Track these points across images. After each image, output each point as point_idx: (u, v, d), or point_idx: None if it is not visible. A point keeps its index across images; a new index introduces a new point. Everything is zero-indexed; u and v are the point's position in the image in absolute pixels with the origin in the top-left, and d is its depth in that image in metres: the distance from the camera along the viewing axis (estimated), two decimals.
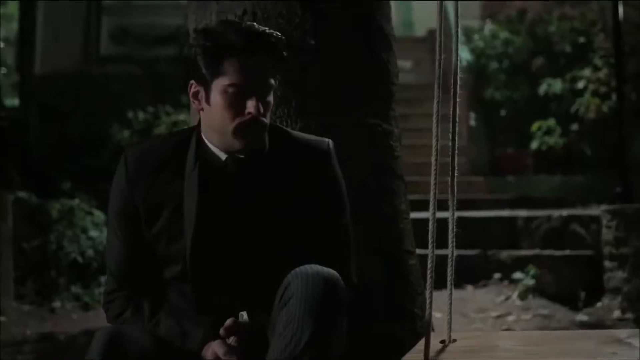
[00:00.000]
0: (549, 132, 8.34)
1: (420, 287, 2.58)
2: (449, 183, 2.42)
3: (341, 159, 2.35)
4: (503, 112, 8.77)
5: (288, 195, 1.98)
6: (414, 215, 6.67)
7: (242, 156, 1.97)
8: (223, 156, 1.98)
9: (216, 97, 1.92)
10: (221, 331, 1.88)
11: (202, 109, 1.97)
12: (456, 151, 2.49)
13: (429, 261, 2.43)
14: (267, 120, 1.96)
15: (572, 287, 5.36)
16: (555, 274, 5.44)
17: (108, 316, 2.05)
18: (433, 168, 2.44)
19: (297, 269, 1.87)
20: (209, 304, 1.96)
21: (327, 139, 2.08)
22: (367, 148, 2.50)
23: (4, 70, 15.10)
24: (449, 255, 2.26)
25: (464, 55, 8.91)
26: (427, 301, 2.30)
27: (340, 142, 2.34)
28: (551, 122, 8.34)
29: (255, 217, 1.96)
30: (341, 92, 2.46)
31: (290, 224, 1.98)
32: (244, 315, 1.91)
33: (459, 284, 5.66)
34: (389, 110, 2.59)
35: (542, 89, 8.56)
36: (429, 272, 2.41)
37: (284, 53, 1.95)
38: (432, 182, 2.48)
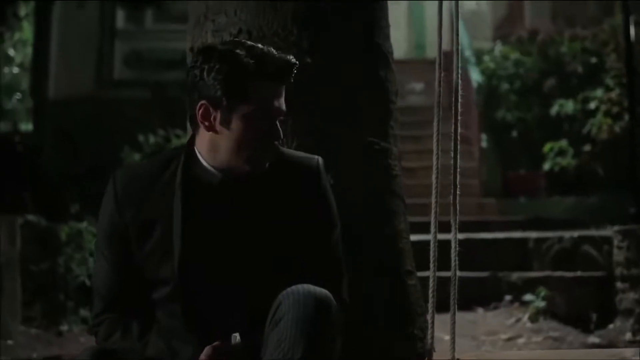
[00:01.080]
0: (561, 153, 8.29)
1: (420, 308, 2.54)
2: (451, 202, 2.39)
3: (337, 177, 2.34)
4: (515, 134, 8.73)
5: (278, 214, 1.96)
6: (424, 237, 6.60)
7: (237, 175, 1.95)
8: (217, 174, 1.95)
9: (237, 122, 1.90)
10: (202, 356, 1.84)
11: (214, 131, 1.92)
12: (458, 169, 2.47)
13: (431, 281, 2.40)
14: (276, 147, 1.98)
15: (583, 308, 5.30)
16: (566, 296, 5.38)
17: (97, 339, 2.01)
18: (434, 186, 2.41)
19: (289, 289, 1.84)
20: (199, 324, 1.92)
21: (316, 157, 2.06)
22: (364, 167, 2.47)
23: (18, 95, 15.26)
24: (452, 275, 2.23)
25: (475, 76, 8.90)
26: (429, 321, 2.28)
27: (336, 161, 2.34)
28: (563, 143, 8.29)
29: (245, 235, 1.94)
30: (338, 111, 2.43)
31: (281, 242, 1.95)
32: (236, 337, 1.88)
33: (469, 306, 5.61)
34: (388, 129, 2.57)
35: (554, 109, 8.53)
36: (430, 292, 2.38)
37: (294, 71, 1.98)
38: (433, 200, 2.46)
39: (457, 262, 2.22)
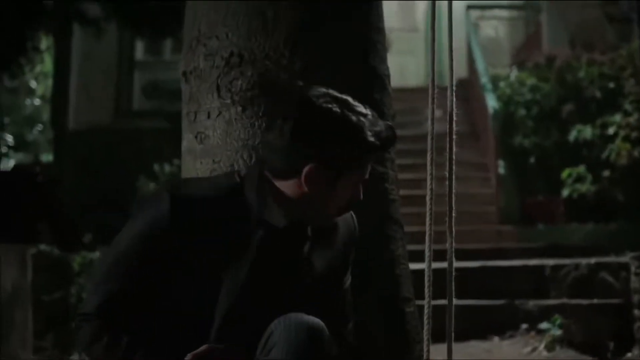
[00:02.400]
0: (579, 179, 8.19)
1: (418, 336, 2.48)
2: (447, 224, 2.34)
3: None
4: (532, 160, 8.65)
5: (324, 266, 2.00)
6: (441, 264, 6.54)
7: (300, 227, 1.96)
8: (285, 222, 1.92)
9: (340, 184, 1.90)
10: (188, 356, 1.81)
11: (317, 191, 1.89)
12: (454, 190, 2.41)
13: (425, 307, 2.34)
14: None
15: (600, 337, 5.18)
16: (583, 324, 5.27)
17: (78, 338, 1.91)
18: (428, 209, 2.35)
19: (281, 317, 1.82)
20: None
21: (352, 215, 2.11)
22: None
23: (40, 127, 15.39)
24: (448, 299, 2.18)
25: (491, 102, 8.84)
26: (425, 349, 2.21)
27: None
28: (581, 169, 8.20)
29: (292, 284, 1.95)
30: None
31: (318, 293, 1.99)
32: None
33: (484, 335, 5.52)
34: (384, 153, 2.51)
35: (572, 135, 8.45)
36: (425, 318, 2.32)
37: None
38: (427, 222, 2.40)
39: (453, 286, 2.15)
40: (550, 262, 6.13)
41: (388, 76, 2.60)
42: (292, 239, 1.94)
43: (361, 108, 1.92)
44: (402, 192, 8.83)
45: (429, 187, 2.33)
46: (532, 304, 5.65)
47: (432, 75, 2.20)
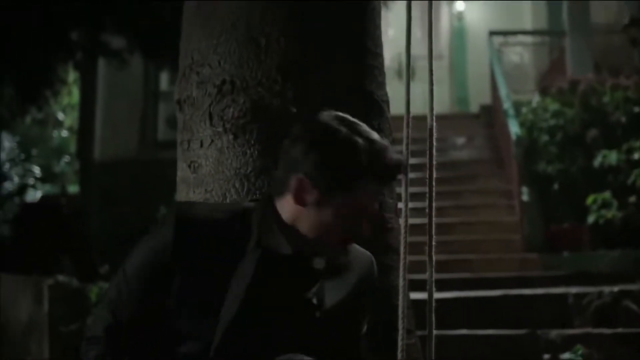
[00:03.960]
0: (605, 205, 8.05)
1: None
2: (427, 252, 2.27)
3: None
4: (556, 186, 8.53)
5: (334, 302, 1.93)
6: (464, 293, 6.39)
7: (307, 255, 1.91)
8: (289, 247, 1.88)
9: (333, 207, 1.84)
10: None
11: (303, 204, 1.85)
12: (434, 206, 2.35)
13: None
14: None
15: None
16: (605, 354, 5.13)
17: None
18: (403, 228, 2.29)
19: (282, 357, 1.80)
20: None
21: (369, 253, 2.08)
22: None
23: (67, 158, 15.51)
24: (428, 329, 2.11)
25: (514, 129, 8.76)
26: None
27: None
28: (607, 194, 8.06)
29: (297, 316, 1.89)
30: None
31: (326, 328, 1.92)
32: None
33: None
34: None
35: (597, 161, 8.32)
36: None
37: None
38: (403, 236, 2.34)
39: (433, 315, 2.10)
40: (573, 290, 6.01)
41: (386, 102, 2.54)
42: (297, 268, 1.89)
43: (369, 133, 1.91)
44: (424, 219, 8.65)
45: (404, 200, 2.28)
46: (554, 333, 5.52)
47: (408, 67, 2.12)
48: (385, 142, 1.92)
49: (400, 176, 1.98)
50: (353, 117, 2.41)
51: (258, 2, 2.37)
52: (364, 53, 2.48)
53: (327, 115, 1.92)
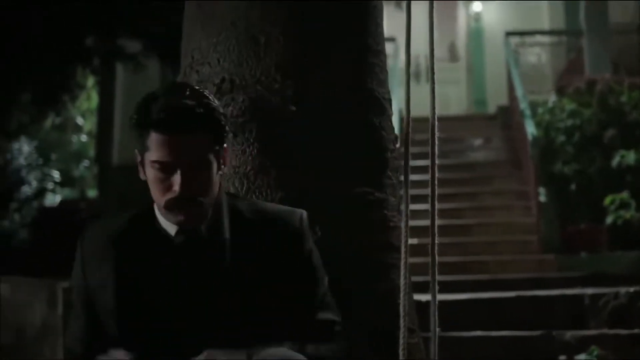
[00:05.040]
0: (623, 205, 7.97)
1: None
2: (430, 252, 2.25)
3: (326, 231, 2.22)
4: (573, 187, 8.45)
5: (250, 274, 1.84)
6: (478, 295, 6.33)
7: (194, 230, 1.85)
8: (173, 230, 1.86)
9: (148, 170, 1.83)
10: None
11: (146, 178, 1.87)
12: (436, 205, 2.33)
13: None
14: (202, 197, 1.82)
15: None
16: (620, 355, 5.07)
17: None
18: (403, 229, 2.27)
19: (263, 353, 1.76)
20: None
21: (299, 211, 1.94)
22: (356, 219, 2.35)
23: (86, 162, 15.59)
24: (432, 330, 2.08)
25: (530, 129, 8.70)
26: None
27: (324, 214, 2.22)
28: (625, 195, 7.98)
29: (209, 296, 1.83)
30: (325, 161, 2.32)
31: (252, 305, 1.84)
32: None
33: None
34: (383, 178, 2.44)
35: (615, 161, 8.24)
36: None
37: (220, 125, 1.84)
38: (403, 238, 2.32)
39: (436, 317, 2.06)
40: (589, 291, 5.95)
41: (388, 99, 2.52)
42: (181, 242, 1.85)
43: (179, 89, 1.85)
44: (441, 221, 8.64)
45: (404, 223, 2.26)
46: (569, 334, 5.46)
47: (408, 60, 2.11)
48: (177, 91, 1.83)
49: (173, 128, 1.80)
50: (354, 115, 2.41)
51: (258, 0, 2.36)
52: (364, 51, 2.46)
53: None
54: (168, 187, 1.80)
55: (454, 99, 13.88)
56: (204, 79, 2.38)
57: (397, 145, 2.59)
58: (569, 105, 8.80)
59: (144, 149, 1.81)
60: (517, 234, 8.55)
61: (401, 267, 1.94)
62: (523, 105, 9.21)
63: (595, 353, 5.06)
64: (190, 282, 1.83)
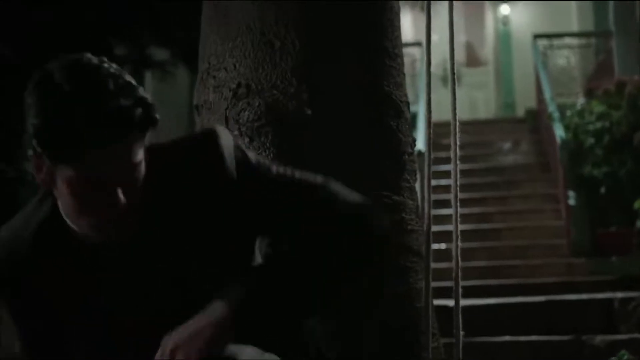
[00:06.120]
0: None
1: None
2: (454, 255, 2.23)
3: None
4: (603, 190, 8.37)
5: (197, 232, 1.54)
6: (507, 299, 6.29)
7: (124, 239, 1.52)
8: (93, 239, 1.52)
9: (61, 186, 1.45)
10: None
11: (53, 187, 1.49)
12: (458, 211, 2.31)
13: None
14: (131, 207, 1.46)
15: None
16: None
17: None
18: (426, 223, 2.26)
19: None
20: None
21: (209, 130, 1.60)
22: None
23: None
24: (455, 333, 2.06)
25: (559, 132, 8.63)
26: None
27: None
28: None
29: (170, 283, 1.54)
30: (342, 164, 2.31)
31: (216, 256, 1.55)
32: None
33: None
34: (401, 181, 2.43)
35: None
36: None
37: (150, 116, 1.43)
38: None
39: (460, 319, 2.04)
40: (619, 295, 5.89)
41: (405, 102, 2.51)
42: (124, 253, 1.53)
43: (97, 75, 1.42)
44: (469, 226, 8.60)
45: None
46: (599, 339, 5.41)
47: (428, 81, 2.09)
48: (96, 84, 1.40)
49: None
50: (371, 118, 2.40)
51: (272, 3, 2.36)
52: (381, 54, 2.45)
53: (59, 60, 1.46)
54: (98, 205, 1.44)
55: (482, 103, 13.83)
56: (220, 84, 2.39)
57: (415, 148, 2.58)
58: (598, 108, 8.72)
59: (53, 159, 1.42)
60: (546, 237, 8.48)
61: (424, 270, 1.91)
62: (551, 108, 9.14)
63: (625, 357, 4.99)
64: (140, 285, 1.54)
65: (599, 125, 8.60)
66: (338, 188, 1.68)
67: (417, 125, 8.04)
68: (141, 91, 1.44)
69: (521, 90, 13.11)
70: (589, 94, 9.52)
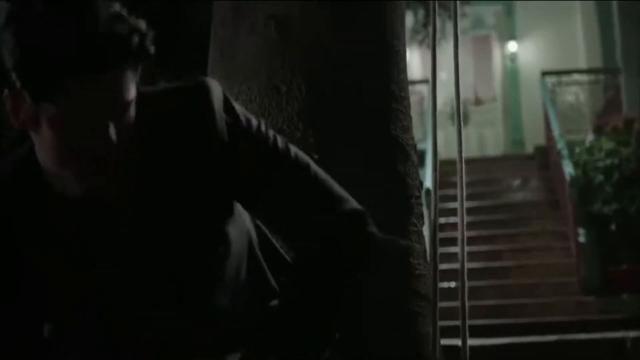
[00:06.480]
0: None
1: None
2: (460, 296, 2.21)
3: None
4: (613, 227, 8.33)
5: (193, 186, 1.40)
6: (518, 339, 6.25)
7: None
8: (74, 191, 1.35)
9: (45, 127, 1.28)
10: None
11: (33, 131, 1.33)
12: (465, 224, 2.30)
13: None
14: (120, 153, 1.31)
15: None
16: None
17: None
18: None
19: None
20: None
21: (202, 80, 1.46)
22: (381, 267, 2.32)
23: None
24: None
25: (568, 169, 8.62)
26: None
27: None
28: None
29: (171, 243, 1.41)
30: None
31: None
32: None
33: None
34: (408, 225, 2.41)
35: None
36: None
37: (146, 45, 1.30)
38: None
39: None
40: (631, 334, 5.84)
41: (412, 145, 2.50)
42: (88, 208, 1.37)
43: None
44: (478, 264, 8.59)
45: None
46: None
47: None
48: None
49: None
50: (378, 162, 2.40)
51: (278, 47, 2.37)
52: (387, 97, 2.45)
53: None
54: (86, 147, 1.28)
55: (490, 140, 13.82)
56: None
57: (423, 191, 2.57)
58: (607, 144, 8.72)
59: (37, 96, 1.25)
60: (556, 275, 8.44)
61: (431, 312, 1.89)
62: (560, 145, 9.14)
63: None
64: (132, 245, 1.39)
65: (608, 162, 8.60)
66: (327, 178, 1.58)
67: (425, 163, 8.04)
68: (136, 20, 1.29)
69: (529, 126, 13.10)
70: (598, 130, 9.54)
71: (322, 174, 1.56)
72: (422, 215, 2.50)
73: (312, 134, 2.32)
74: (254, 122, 1.49)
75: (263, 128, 1.50)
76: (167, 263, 1.40)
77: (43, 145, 1.31)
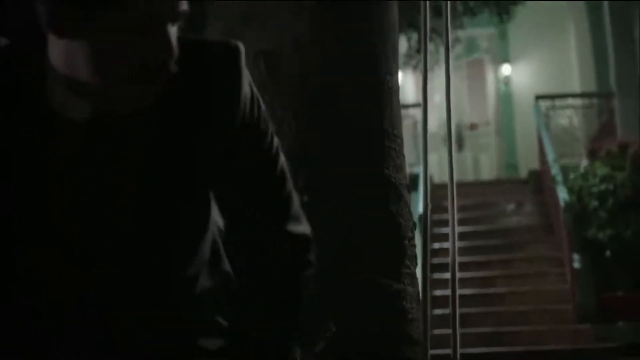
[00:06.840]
0: None
1: None
2: (451, 323, 2.15)
3: (342, 324, 2.14)
4: (608, 253, 8.27)
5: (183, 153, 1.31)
6: None
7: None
8: (84, 106, 1.24)
9: (100, 30, 1.17)
10: None
11: (69, 37, 1.19)
12: (456, 250, 2.24)
13: None
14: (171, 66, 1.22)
15: None
16: None
17: None
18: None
19: None
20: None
21: (236, 45, 1.39)
22: (374, 311, 2.25)
23: None
24: None
25: (562, 195, 8.56)
26: None
27: (341, 306, 2.14)
28: None
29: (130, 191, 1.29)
30: (341, 251, 2.24)
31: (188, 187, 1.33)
32: None
33: None
34: (402, 268, 2.34)
35: None
36: None
37: None
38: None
39: None
40: None
41: (405, 185, 2.44)
42: (100, 130, 1.26)
43: None
44: (473, 290, 8.49)
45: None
46: None
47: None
48: None
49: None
50: (370, 203, 2.34)
51: (267, 84, 2.31)
52: (380, 136, 2.39)
53: None
54: (140, 51, 1.18)
55: (485, 163, 13.78)
56: None
57: (416, 230, 2.51)
58: (602, 170, 8.67)
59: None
60: (551, 302, 8.36)
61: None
62: (554, 170, 9.09)
63: None
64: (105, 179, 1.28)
65: (602, 187, 8.55)
66: (293, 197, 1.49)
67: (417, 187, 7.97)
68: None
69: (523, 150, 13.07)
70: (592, 154, 9.50)
71: (291, 192, 1.48)
72: (415, 257, 2.44)
73: (302, 173, 2.25)
74: (263, 107, 1.41)
75: (267, 119, 1.42)
76: (150, 207, 1.29)
77: (81, 50, 1.18)
